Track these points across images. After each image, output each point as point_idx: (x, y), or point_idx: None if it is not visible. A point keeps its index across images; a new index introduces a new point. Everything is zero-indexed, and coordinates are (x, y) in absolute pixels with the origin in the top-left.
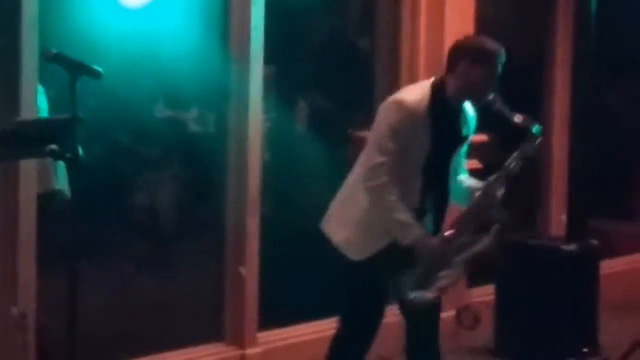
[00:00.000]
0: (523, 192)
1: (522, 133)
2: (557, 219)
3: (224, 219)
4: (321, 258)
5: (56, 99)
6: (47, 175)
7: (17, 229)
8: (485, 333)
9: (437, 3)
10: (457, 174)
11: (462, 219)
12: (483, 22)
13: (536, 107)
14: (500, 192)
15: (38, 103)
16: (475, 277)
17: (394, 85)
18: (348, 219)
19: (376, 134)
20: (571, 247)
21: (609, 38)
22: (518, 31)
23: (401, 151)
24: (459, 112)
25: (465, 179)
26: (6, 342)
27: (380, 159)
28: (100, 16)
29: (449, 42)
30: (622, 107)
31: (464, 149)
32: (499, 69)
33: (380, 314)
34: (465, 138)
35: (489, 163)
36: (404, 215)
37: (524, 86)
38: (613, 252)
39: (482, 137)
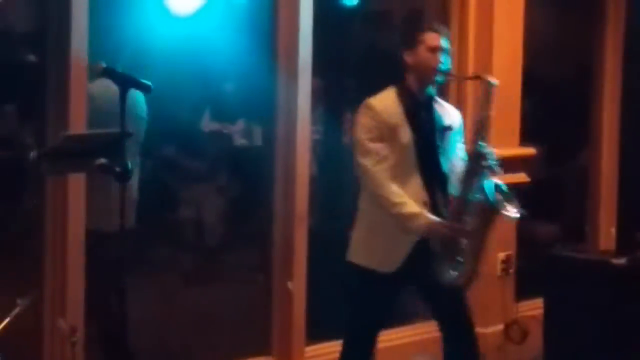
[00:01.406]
0: (573, 206)
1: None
2: (607, 233)
3: (271, 233)
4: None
5: None
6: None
7: (66, 243)
8: (534, 348)
9: (486, 16)
10: (455, 164)
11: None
12: (532, 34)
13: (585, 118)
14: (481, 146)
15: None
16: (524, 290)
17: (443, 98)
18: (370, 240)
19: (356, 140)
20: (621, 261)
21: None
22: (567, 42)
23: (386, 150)
24: (432, 102)
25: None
26: (55, 356)
27: (367, 161)
28: (150, 25)
29: (497, 56)
30: None
31: (454, 140)
32: (442, 41)
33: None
34: (450, 128)
35: (537, 177)
36: (410, 207)
37: (573, 97)
38: None
39: (529, 151)
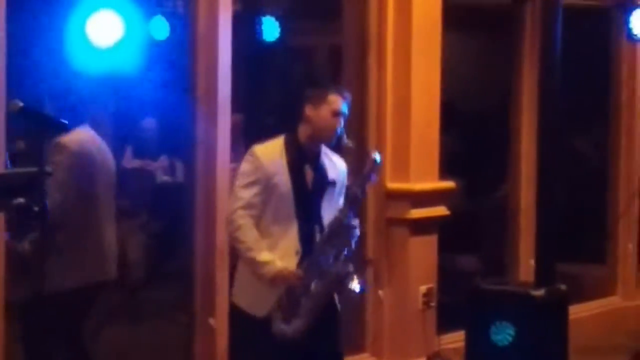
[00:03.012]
0: (492, 238)
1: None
2: (526, 264)
3: (193, 269)
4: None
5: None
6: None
7: None
8: None
9: (404, 51)
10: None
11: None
12: (451, 69)
13: (504, 152)
14: (350, 218)
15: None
16: (445, 323)
17: (362, 136)
18: (244, 283)
19: (234, 186)
20: (540, 292)
21: (573, 82)
22: (486, 78)
23: (256, 198)
24: (319, 157)
25: None
26: None
27: (235, 205)
28: (70, 59)
29: (415, 91)
30: (588, 151)
31: (337, 194)
32: (343, 106)
33: None
34: (333, 183)
35: (457, 210)
36: (261, 255)
37: (491, 131)
38: (582, 296)
39: (449, 184)
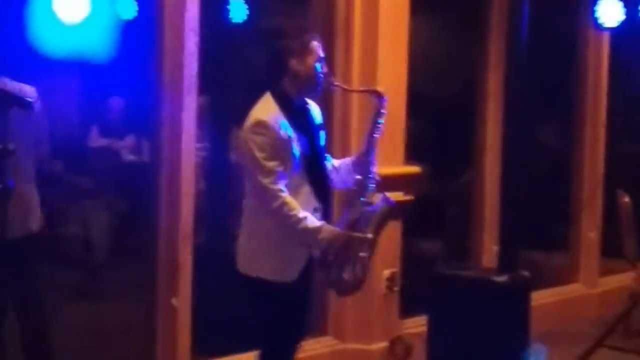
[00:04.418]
0: (456, 223)
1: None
2: (489, 251)
3: (156, 249)
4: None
5: None
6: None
7: None
8: None
9: (370, 34)
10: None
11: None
12: (417, 53)
13: (468, 138)
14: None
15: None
16: (408, 308)
17: (328, 116)
18: (264, 250)
19: (250, 159)
20: (502, 278)
21: (539, 70)
22: (451, 61)
23: (281, 166)
24: (307, 105)
25: (337, 162)
26: None
27: (266, 179)
28: (36, 34)
29: (382, 74)
30: (552, 139)
31: (323, 138)
32: (321, 52)
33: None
34: (323, 126)
35: (420, 194)
36: (312, 222)
37: (456, 117)
38: (545, 283)
39: (414, 169)
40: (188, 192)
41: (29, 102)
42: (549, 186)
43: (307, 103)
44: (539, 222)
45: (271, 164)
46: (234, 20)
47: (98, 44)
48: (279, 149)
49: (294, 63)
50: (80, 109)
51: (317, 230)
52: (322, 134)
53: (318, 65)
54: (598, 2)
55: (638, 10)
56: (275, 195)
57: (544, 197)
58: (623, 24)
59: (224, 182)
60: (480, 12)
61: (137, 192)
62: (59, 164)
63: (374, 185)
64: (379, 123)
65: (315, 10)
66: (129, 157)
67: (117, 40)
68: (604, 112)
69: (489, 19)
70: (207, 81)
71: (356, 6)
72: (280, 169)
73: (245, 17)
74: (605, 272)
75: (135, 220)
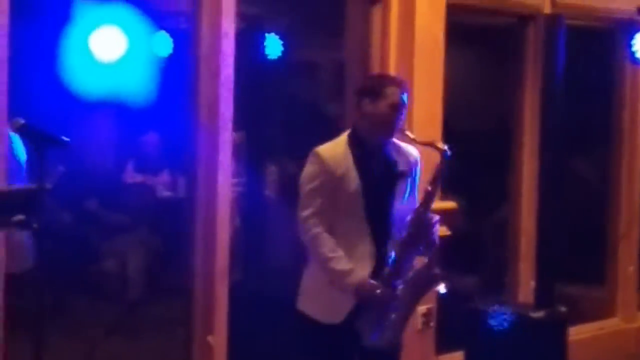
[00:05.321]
0: (492, 259)
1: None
2: (526, 285)
3: (192, 286)
4: (291, 324)
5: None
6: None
7: None
8: None
9: (406, 70)
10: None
11: (398, 250)
12: (452, 88)
13: (505, 172)
14: (431, 215)
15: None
16: (444, 344)
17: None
18: (316, 290)
19: (301, 191)
20: (539, 314)
21: (575, 103)
22: (488, 96)
23: (331, 200)
24: (385, 149)
25: None
26: None
27: (306, 212)
28: (74, 74)
29: (417, 110)
30: (589, 173)
31: (408, 185)
32: (402, 99)
33: None
34: (403, 173)
35: (457, 230)
36: (341, 264)
37: (492, 151)
38: (582, 317)
39: (450, 204)
40: (224, 228)
41: (66, 142)
42: (586, 220)
43: (385, 145)
44: (576, 256)
45: (312, 198)
46: (269, 56)
47: (135, 82)
48: (328, 182)
49: (365, 103)
50: (116, 146)
51: (344, 273)
52: (400, 180)
53: (390, 110)
54: (634, 35)
55: None
56: (306, 227)
57: (581, 232)
58: None
59: (259, 218)
60: (516, 45)
61: (172, 228)
62: (95, 201)
63: (425, 250)
64: (437, 180)
65: (350, 43)
66: (164, 193)
67: (153, 76)
68: None
69: (524, 52)
70: (243, 117)
71: (392, 41)
72: (325, 204)
73: (280, 53)
74: None
75: (171, 256)
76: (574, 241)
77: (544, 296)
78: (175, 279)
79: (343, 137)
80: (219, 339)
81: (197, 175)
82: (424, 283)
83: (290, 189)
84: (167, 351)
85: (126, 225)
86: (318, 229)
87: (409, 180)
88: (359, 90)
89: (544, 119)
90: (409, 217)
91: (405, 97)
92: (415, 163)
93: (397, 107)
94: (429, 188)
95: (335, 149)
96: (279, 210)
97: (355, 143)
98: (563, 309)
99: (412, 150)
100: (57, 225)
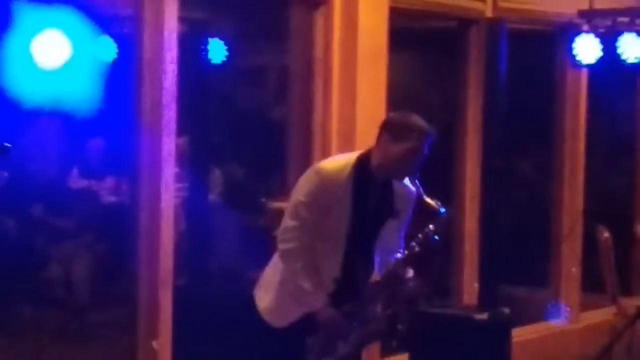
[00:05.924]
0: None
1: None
2: (470, 288)
3: (137, 291)
4: (237, 328)
5: None
6: None
7: None
8: None
9: (349, 73)
10: (390, 250)
11: (366, 292)
12: (396, 91)
13: (447, 175)
14: (407, 271)
15: None
16: (389, 346)
17: (307, 155)
18: (272, 285)
19: (293, 199)
20: (482, 315)
21: (517, 106)
22: (428, 97)
23: (318, 219)
24: (387, 185)
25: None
26: None
27: (292, 223)
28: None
29: (360, 111)
30: (532, 174)
31: (398, 225)
32: (423, 148)
33: None
34: (397, 214)
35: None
36: (307, 283)
37: (434, 154)
38: (526, 319)
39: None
40: (167, 233)
41: (6, 148)
42: (530, 221)
43: (390, 182)
44: (520, 257)
45: (303, 212)
46: (213, 61)
47: (78, 87)
48: (321, 203)
49: (386, 139)
50: (61, 151)
51: (306, 292)
52: (394, 220)
53: (408, 154)
54: (575, 38)
55: (616, 47)
56: (287, 236)
57: (524, 233)
58: (601, 61)
59: (204, 223)
60: (459, 48)
61: (117, 233)
62: (39, 206)
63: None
64: (427, 243)
65: (294, 49)
66: (109, 198)
67: (97, 82)
68: (582, 147)
69: (467, 56)
70: (187, 121)
71: (335, 45)
72: (313, 220)
73: (224, 58)
74: (586, 307)
75: (116, 261)
76: (518, 243)
77: (487, 298)
78: (120, 284)
79: (351, 160)
80: (163, 344)
81: (141, 180)
82: (376, 334)
83: (234, 193)
84: (112, 357)
85: (71, 231)
86: (295, 243)
87: (403, 218)
88: (384, 122)
89: (487, 122)
90: (385, 269)
91: (427, 148)
92: (412, 202)
93: (416, 154)
94: (417, 249)
95: (339, 174)
96: (224, 215)
97: (360, 172)
98: (507, 310)
99: (411, 190)
100: (1, 231)
